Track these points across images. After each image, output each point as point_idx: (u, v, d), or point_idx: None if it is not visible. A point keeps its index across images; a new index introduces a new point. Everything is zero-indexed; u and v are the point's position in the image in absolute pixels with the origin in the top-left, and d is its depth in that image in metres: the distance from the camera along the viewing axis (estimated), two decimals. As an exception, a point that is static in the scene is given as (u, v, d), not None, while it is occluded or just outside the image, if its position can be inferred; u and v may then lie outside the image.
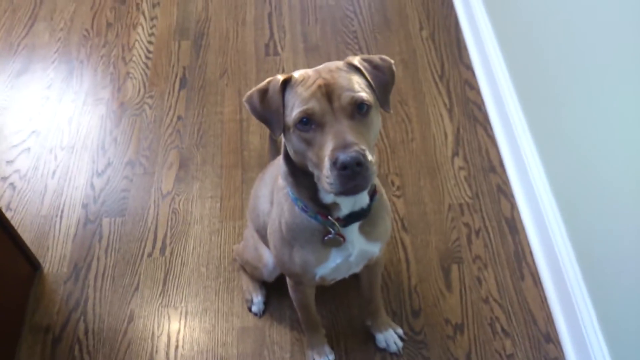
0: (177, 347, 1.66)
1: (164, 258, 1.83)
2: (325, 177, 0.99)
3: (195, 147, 2.11)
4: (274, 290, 1.69)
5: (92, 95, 2.30)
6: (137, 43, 2.48)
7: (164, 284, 1.77)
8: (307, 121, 1.01)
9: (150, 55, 2.42)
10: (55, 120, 2.23)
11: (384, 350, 1.61)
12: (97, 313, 1.72)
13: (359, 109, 1.02)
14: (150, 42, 2.47)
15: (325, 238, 1.19)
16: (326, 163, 0.98)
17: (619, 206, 1.33)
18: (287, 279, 1.43)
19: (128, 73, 2.37)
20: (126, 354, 1.64)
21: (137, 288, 1.77)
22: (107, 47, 2.47)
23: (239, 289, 1.75)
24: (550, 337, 1.61)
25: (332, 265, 1.26)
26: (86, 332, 1.68)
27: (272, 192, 1.32)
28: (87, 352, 1.65)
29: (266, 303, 1.70)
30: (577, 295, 1.52)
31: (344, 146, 0.97)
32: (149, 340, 1.67)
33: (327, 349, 1.60)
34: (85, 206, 1.97)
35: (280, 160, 1.19)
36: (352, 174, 0.97)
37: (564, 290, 1.59)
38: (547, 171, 1.73)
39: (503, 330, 1.63)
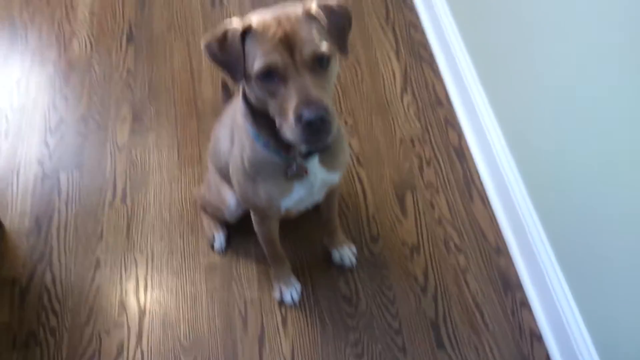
0: (146, 288, 1.70)
1: (125, 206, 1.85)
2: (289, 130, 1.03)
3: (147, 100, 2.12)
4: (237, 229, 1.74)
5: (38, 56, 2.27)
6: (80, 1, 2.44)
7: (128, 230, 1.80)
8: (270, 74, 1.03)
9: (95, 12, 2.39)
10: (3, 83, 2.20)
11: (347, 275, 1.69)
12: (63, 263, 1.74)
13: (319, 61, 1.04)
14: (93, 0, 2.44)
15: (289, 173, 1.23)
16: (290, 117, 1.02)
17: (558, 124, 1.42)
18: (252, 215, 1.47)
19: (73, 32, 2.34)
20: (96, 299, 1.67)
21: (101, 236, 1.79)
22: (50, 7, 2.43)
23: (202, 230, 1.79)
24: (500, 250, 1.72)
25: (296, 198, 1.31)
26: (54, 281, 1.70)
27: (232, 131, 1.33)
28: (57, 299, 1.67)
29: (229, 241, 1.75)
30: (524, 209, 1.63)
31: (307, 102, 1.00)
32: (118, 285, 1.70)
33: (292, 279, 1.67)
34: (41, 163, 1.96)
35: (238, 99, 1.21)
36: (316, 129, 1.01)
37: (510, 207, 1.69)
38: (490, 100, 1.82)
39: (456, 247, 1.73)
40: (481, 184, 1.86)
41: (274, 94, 1.04)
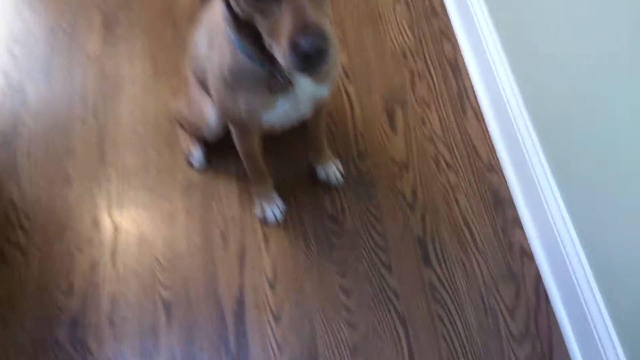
0: (120, 205, 1.61)
1: (96, 120, 1.74)
2: (281, 55, 0.90)
3: (120, 8, 1.96)
4: (216, 145, 1.64)
5: (-1, -40, 2.09)
6: None
7: (100, 145, 1.70)
8: None
9: None
10: (-39, -12, 2.03)
11: (332, 193, 1.62)
12: (32, 178, 1.64)
13: None
14: None
15: (273, 86, 1.12)
16: (283, 42, 0.88)
17: (563, 33, 1.31)
18: (232, 128, 1.36)
19: None
20: (68, 215, 1.59)
21: (71, 151, 1.69)
22: None
23: (179, 146, 1.69)
24: (493, 167, 1.64)
25: (280, 112, 1.20)
26: (22, 198, 1.61)
27: (210, 33, 1.19)
28: (25, 216, 1.59)
29: (207, 158, 1.66)
30: (520, 125, 1.54)
31: (304, 28, 0.87)
32: (90, 201, 1.62)
33: (275, 196, 1.59)
34: (6, 74, 1.83)
35: (218, 1, 1.08)
36: (313, 59, 0.88)
37: (506, 122, 1.60)
38: (490, 9, 1.69)
39: (447, 164, 1.65)
40: (476, 99, 1.76)
41: (264, 12, 0.91)
